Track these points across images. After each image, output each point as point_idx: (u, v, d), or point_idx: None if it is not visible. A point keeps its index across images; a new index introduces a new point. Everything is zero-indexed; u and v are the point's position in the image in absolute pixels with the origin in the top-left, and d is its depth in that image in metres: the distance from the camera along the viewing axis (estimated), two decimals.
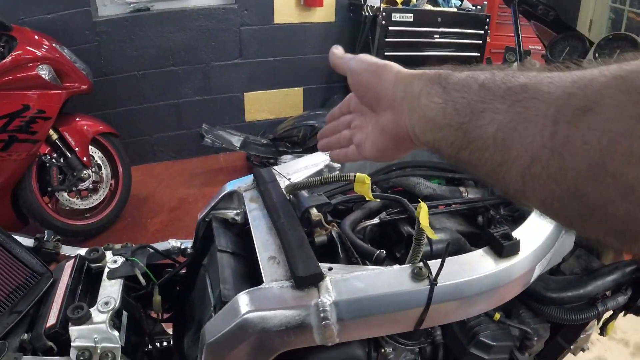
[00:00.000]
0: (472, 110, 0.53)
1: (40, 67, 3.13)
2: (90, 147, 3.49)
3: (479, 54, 4.80)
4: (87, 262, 1.36)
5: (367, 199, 1.04)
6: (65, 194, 3.42)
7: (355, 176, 1.00)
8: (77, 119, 3.48)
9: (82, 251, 1.42)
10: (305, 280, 0.87)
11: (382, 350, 1.06)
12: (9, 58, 3.04)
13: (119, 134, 3.76)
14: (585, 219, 0.43)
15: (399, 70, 0.68)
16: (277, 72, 4.85)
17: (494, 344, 1.18)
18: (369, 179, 0.99)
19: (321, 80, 5.09)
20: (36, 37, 3.25)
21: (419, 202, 0.95)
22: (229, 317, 0.89)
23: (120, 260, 1.31)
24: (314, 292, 0.87)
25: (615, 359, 2.82)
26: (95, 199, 3.58)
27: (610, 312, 1.53)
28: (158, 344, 1.48)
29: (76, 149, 3.36)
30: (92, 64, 3.71)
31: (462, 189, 1.41)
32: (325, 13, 4.79)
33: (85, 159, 3.39)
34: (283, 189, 1.17)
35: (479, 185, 1.48)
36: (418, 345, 1.14)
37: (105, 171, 3.64)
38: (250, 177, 1.29)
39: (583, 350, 2.11)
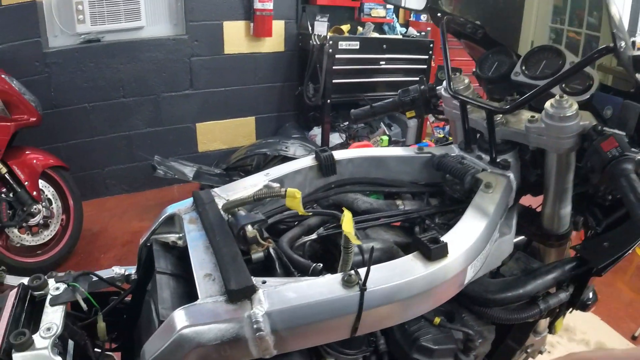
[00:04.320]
0: None
1: None
2: (40, 181, 3.43)
3: (425, 78, 4.93)
4: (30, 290, 1.34)
5: (300, 213, 1.07)
6: (16, 230, 3.34)
7: (286, 191, 1.03)
8: (27, 152, 3.42)
9: (25, 280, 1.40)
10: (238, 293, 0.88)
11: None
12: None
13: (70, 167, 3.71)
14: None
15: None
16: (229, 102, 4.89)
17: (436, 347, 1.21)
18: (300, 193, 1.02)
19: (273, 109, 5.16)
20: None
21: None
22: (166, 334, 0.89)
23: (62, 287, 1.29)
24: (247, 304, 0.88)
25: None
26: (47, 235, 3.50)
27: (556, 311, 1.59)
28: None
29: (25, 183, 3.30)
30: (42, 95, 3.68)
31: (398, 202, 1.46)
32: (274, 43, 4.87)
33: (35, 193, 3.33)
34: (220, 209, 1.19)
35: (416, 197, 1.52)
36: (361, 354, 1.16)
37: (56, 205, 3.57)
38: (190, 200, 1.30)
39: (541, 352, 2.16)
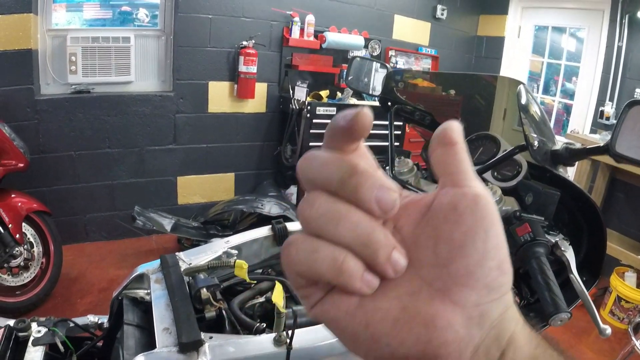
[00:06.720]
0: None
1: None
2: (23, 224, 3.50)
3: (398, 144, 5.17)
4: (15, 331, 1.50)
5: (247, 281, 1.27)
6: None
7: (235, 262, 1.23)
8: (12, 195, 3.51)
9: (11, 322, 1.55)
10: (188, 346, 1.08)
11: None
12: None
13: (52, 211, 3.80)
14: None
15: None
16: (210, 158, 5.05)
17: None
18: (246, 264, 1.22)
19: (252, 167, 5.33)
20: None
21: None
22: None
23: (44, 330, 1.46)
24: (194, 355, 1.07)
25: None
26: (26, 277, 3.58)
27: None
28: None
29: (9, 225, 3.37)
30: (31, 141, 3.82)
31: None
32: (256, 104, 5.08)
33: (18, 236, 3.39)
34: (182, 272, 1.38)
35: None
36: None
37: (37, 249, 3.64)
38: (158, 262, 1.49)
39: None
